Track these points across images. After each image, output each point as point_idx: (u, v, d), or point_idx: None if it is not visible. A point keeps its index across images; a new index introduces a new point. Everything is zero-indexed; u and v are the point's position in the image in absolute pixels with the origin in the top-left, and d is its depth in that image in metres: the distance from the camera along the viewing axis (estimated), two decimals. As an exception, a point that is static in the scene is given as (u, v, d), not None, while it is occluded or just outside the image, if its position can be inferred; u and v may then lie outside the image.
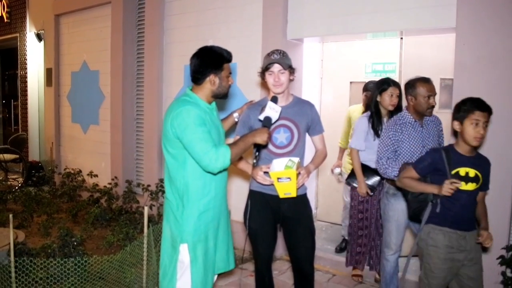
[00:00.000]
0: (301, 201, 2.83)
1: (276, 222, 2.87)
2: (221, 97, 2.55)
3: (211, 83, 2.45)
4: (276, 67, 2.69)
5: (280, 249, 4.38)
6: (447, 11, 3.55)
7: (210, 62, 2.44)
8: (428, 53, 4.63)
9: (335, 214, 5.66)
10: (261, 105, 2.65)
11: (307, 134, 2.90)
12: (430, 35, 4.36)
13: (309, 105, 2.89)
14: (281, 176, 2.57)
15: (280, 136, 2.77)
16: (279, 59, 2.68)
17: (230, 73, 2.54)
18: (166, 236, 2.50)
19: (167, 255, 2.48)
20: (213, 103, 2.56)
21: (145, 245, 3.57)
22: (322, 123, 2.93)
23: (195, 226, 2.40)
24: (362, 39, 5.12)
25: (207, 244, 2.46)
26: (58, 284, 3.39)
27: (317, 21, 4.33)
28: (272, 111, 2.52)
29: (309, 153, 2.98)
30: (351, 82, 5.63)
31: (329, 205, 5.77)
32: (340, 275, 4.17)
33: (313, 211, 5.86)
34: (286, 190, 2.60)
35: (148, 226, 3.60)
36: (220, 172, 2.40)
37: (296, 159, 2.65)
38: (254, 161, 2.55)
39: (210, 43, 5.09)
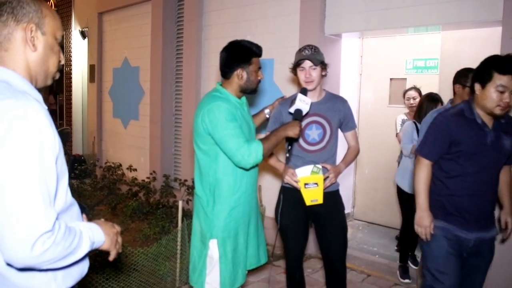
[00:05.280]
0: (333, 197, 2.78)
1: (308, 218, 2.83)
2: (249, 92, 2.52)
3: (239, 77, 2.43)
4: (307, 63, 2.64)
5: (314, 247, 4.32)
6: (493, 3, 3.39)
7: (237, 56, 2.43)
8: (468, 48, 4.43)
9: (372, 214, 5.56)
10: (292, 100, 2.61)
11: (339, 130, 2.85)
12: (470, 30, 4.18)
13: (342, 100, 2.84)
14: (309, 181, 2.59)
15: (312, 133, 2.73)
16: (310, 55, 2.63)
17: (260, 68, 2.51)
18: (196, 232, 2.51)
19: (196, 250, 2.49)
20: (243, 98, 2.55)
21: (179, 239, 3.61)
22: (355, 119, 2.88)
23: (225, 222, 2.40)
24: (402, 34, 4.98)
25: (237, 240, 2.45)
26: (94, 274, 3.47)
27: (356, 16, 4.24)
28: (302, 103, 2.47)
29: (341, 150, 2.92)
30: (391, 79, 5.51)
31: (367, 204, 5.66)
32: (375, 275, 4.07)
33: (350, 210, 5.77)
34: (312, 196, 2.61)
35: (183, 220, 3.64)
36: (252, 167, 2.39)
37: (319, 166, 2.64)
38: (287, 155, 2.53)
39: (247, 38, 5.09)
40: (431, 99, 3.86)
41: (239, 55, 2.43)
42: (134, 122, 7.13)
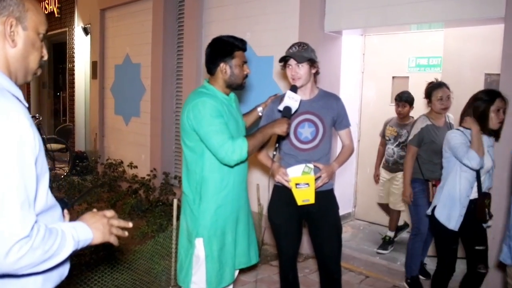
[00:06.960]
0: (327, 197, 2.72)
1: (301, 217, 2.78)
2: (235, 88, 2.48)
3: (222, 72, 2.41)
4: (293, 61, 2.62)
5: (311, 247, 4.27)
6: (496, -1, 3.32)
7: (219, 50, 2.41)
8: (471, 46, 4.34)
9: (373, 214, 5.49)
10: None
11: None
12: (474, 27, 4.10)
13: (335, 98, 2.78)
14: (300, 182, 2.55)
15: (305, 131, 2.67)
16: (295, 52, 2.61)
17: (245, 62, 2.47)
18: (183, 230, 2.48)
19: (183, 249, 2.46)
20: (232, 94, 2.51)
21: (173, 237, 3.57)
22: (348, 117, 2.81)
23: (211, 220, 2.35)
24: (404, 31, 4.90)
25: (225, 239, 2.40)
26: (89, 272, 3.45)
27: (356, 12, 4.17)
28: (291, 100, 2.43)
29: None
30: (393, 77, 5.44)
31: (368, 204, 5.59)
32: (373, 277, 4.01)
33: (351, 209, 5.71)
34: (304, 196, 2.57)
35: (179, 219, 3.60)
36: (237, 164, 2.34)
37: (311, 165, 2.59)
38: (274, 153, 2.49)
39: (247, 36, 5.04)
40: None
41: (221, 49, 2.41)
42: (135, 119, 7.11)
